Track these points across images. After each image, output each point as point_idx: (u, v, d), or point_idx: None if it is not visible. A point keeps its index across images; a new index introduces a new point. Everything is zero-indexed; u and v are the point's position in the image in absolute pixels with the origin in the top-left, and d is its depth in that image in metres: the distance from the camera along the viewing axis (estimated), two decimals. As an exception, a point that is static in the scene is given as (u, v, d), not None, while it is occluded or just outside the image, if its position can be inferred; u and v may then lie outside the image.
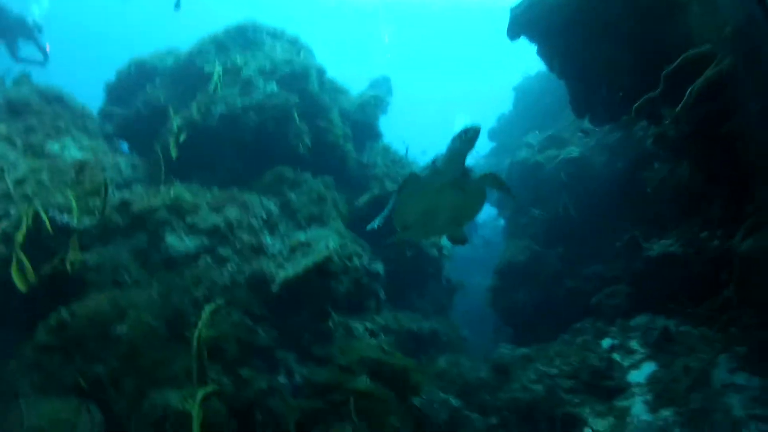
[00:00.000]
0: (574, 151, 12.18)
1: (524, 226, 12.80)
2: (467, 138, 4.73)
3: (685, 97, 5.88)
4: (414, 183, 5.19)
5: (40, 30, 13.27)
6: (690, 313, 8.58)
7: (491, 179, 5.40)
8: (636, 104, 6.48)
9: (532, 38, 9.51)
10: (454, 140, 4.81)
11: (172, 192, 8.33)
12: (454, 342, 11.09)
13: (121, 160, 10.10)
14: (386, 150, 12.23)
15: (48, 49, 13.53)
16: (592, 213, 11.96)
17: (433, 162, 5.32)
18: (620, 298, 10.55)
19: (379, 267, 9.41)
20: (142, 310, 7.04)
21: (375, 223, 5.77)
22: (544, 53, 9.64)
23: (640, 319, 9.78)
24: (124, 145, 11.66)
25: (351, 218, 10.51)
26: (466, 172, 5.22)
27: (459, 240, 6.18)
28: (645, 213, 10.69)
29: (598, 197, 11.96)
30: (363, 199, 10.86)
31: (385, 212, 5.72)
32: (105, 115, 11.49)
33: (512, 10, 9.24)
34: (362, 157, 11.83)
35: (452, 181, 5.13)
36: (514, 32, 9.40)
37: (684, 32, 5.85)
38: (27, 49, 13.43)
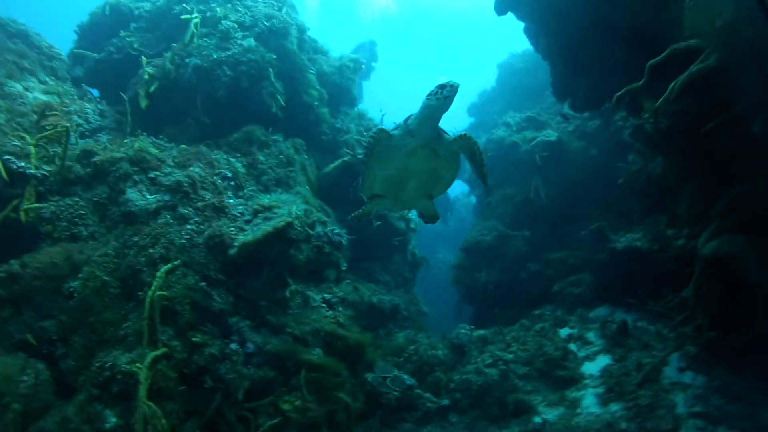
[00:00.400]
0: (551, 134, 12.13)
1: (494, 206, 12.79)
2: (443, 96, 4.37)
3: (668, 91, 5.78)
4: (384, 142, 4.81)
5: None
6: (648, 309, 8.69)
7: (466, 143, 4.92)
8: (618, 93, 6.33)
9: (520, 16, 9.33)
10: (429, 97, 4.43)
11: (136, 144, 8.04)
12: (415, 317, 11.06)
13: (88, 106, 9.69)
14: (361, 116, 12.11)
15: None
16: (563, 199, 12.00)
17: (405, 121, 4.85)
18: (582, 288, 10.67)
19: (342, 236, 9.27)
20: (96, 266, 6.81)
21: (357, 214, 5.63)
22: (531, 32, 9.49)
23: (599, 311, 9.93)
24: (94, 91, 11.22)
25: (319, 184, 10.41)
26: (440, 134, 4.86)
27: (430, 217, 5.70)
28: (615, 203, 10.75)
29: (570, 183, 11.99)
30: (333, 165, 10.74)
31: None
32: (75, 57, 10.91)
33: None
34: (336, 121, 11.62)
35: (425, 143, 4.77)
36: (501, 8, 9.21)
37: (676, 23, 5.69)
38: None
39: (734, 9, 4.60)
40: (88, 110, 9.53)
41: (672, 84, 5.62)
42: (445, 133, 4.89)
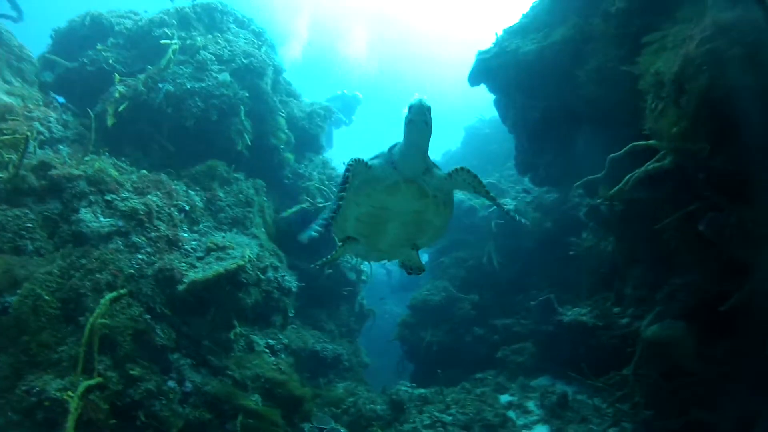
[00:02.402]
0: (509, 203, 12.44)
1: (445, 267, 12.97)
2: (423, 120, 3.65)
3: (623, 182, 6.06)
4: (361, 174, 4.00)
5: None
6: (589, 383, 8.84)
7: (464, 178, 4.10)
8: (578, 183, 6.61)
9: (491, 88, 9.62)
10: (410, 124, 3.69)
11: (96, 164, 7.90)
12: (356, 368, 11.09)
13: (52, 114, 9.41)
14: (325, 164, 12.24)
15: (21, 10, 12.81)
16: (514, 267, 12.24)
17: (390, 149, 4.06)
18: (525, 356, 10.83)
19: (292, 283, 9.23)
20: (38, 283, 6.55)
21: (310, 232, 4.83)
22: (500, 105, 9.79)
23: (541, 381, 10.06)
24: (60, 99, 11.01)
25: (275, 227, 10.38)
26: (430, 168, 4.05)
27: (416, 268, 4.92)
28: (564, 277, 11.00)
29: (522, 252, 12.26)
30: (291, 210, 10.79)
31: (325, 215, 4.29)
32: (46, 62, 10.67)
33: (479, 53, 9.29)
34: (300, 166, 11.71)
35: (410, 177, 3.96)
36: (475, 79, 9.49)
37: (636, 115, 6.00)
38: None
39: (690, 121, 4.85)
40: (51, 119, 9.26)
41: (628, 176, 5.90)
42: (437, 167, 4.11)
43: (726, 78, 4.59)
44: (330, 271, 11.21)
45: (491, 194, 4.28)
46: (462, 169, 4.08)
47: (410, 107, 3.64)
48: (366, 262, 12.07)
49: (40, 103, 9.71)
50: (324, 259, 5.12)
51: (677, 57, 4.93)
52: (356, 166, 3.97)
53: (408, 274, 5.02)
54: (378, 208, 4.15)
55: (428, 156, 3.99)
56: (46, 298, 6.52)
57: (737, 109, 4.68)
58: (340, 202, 3.93)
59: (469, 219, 12.80)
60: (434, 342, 12.07)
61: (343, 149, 13.59)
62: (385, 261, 5.22)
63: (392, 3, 40.50)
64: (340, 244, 4.77)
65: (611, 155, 6.12)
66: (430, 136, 3.78)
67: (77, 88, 10.36)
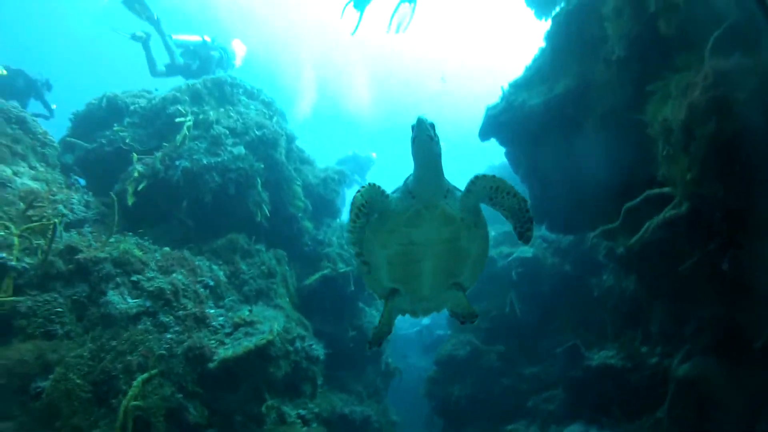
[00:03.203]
0: (527, 251, 12.42)
1: (469, 320, 12.87)
2: (427, 135, 3.43)
3: (642, 230, 6.11)
4: (378, 205, 3.73)
5: (49, 89, 13.94)
6: (622, 428, 8.70)
7: (485, 184, 3.69)
8: (594, 233, 6.66)
9: (501, 141, 9.77)
10: (415, 142, 3.47)
11: (122, 246, 8.06)
12: (385, 428, 11.00)
13: (75, 196, 9.66)
14: (343, 228, 12.26)
15: (53, 108, 13.94)
16: (537, 314, 12.16)
17: (405, 182, 3.84)
18: (556, 404, 10.67)
19: (320, 351, 9.23)
20: (69, 367, 6.66)
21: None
22: (512, 156, 9.92)
23: (573, 428, 9.87)
24: (81, 180, 11.31)
25: (298, 295, 10.46)
26: (451, 190, 3.78)
27: (468, 315, 4.44)
28: (588, 319, 10.91)
29: (544, 298, 12.18)
30: (313, 277, 10.85)
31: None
32: (66, 145, 10.99)
33: (488, 109, 9.48)
34: (319, 233, 11.82)
35: (430, 203, 3.68)
36: (485, 133, 9.65)
37: (648, 163, 6.10)
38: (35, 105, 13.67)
39: (702, 166, 4.95)
40: (74, 200, 9.50)
41: (647, 224, 5.96)
42: (458, 189, 3.83)
43: (732, 122, 4.73)
44: (354, 333, 11.27)
45: (518, 195, 3.83)
46: (477, 177, 3.74)
47: (412, 126, 3.50)
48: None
49: (63, 186, 9.99)
50: (374, 330, 4.50)
51: (683, 105, 5.07)
52: (370, 193, 3.69)
53: (461, 323, 4.61)
54: (405, 244, 3.87)
55: (445, 178, 3.77)
56: (78, 381, 6.59)
57: (746, 149, 4.78)
58: (353, 236, 3.73)
59: (488, 270, 12.76)
60: (463, 396, 11.92)
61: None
62: (433, 312, 4.66)
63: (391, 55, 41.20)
64: (378, 297, 4.45)
65: (627, 205, 6.18)
66: (440, 154, 3.59)
67: (97, 168, 10.65)
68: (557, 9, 9.65)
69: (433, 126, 3.49)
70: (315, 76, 32.99)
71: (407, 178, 3.81)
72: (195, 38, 13.72)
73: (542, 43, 8.61)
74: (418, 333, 19.60)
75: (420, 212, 3.71)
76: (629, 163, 6.91)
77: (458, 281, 4.22)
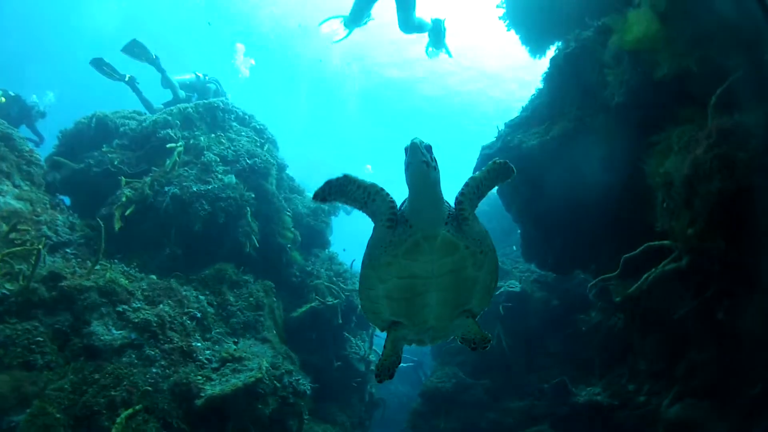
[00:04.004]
0: (515, 285, 12.39)
1: (454, 353, 12.81)
2: (421, 161, 3.05)
3: (640, 282, 6.09)
4: (376, 247, 3.39)
5: (42, 116, 14.34)
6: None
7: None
8: (592, 282, 6.66)
9: (496, 181, 9.73)
10: (409, 168, 3.11)
11: (108, 274, 7.88)
12: (369, 460, 10.81)
13: (60, 217, 9.45)
14: (332, 260, 12.26)
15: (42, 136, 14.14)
16: (524, 348, 12.10)
17: (400, 208, 3.41)
18: (543, 440, 10.57)
19: (306, 386, 9.04)
20: (49, 400, 6.43)
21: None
22: (504, 194, 9.90)
23: (560, 464, 9.80)
24: (66, 199, 11.08)
25: (286, 328, 10.32)
26: (452, 214, 3.37)
27: (479, 341, 3.98)
28: (575, 355, 10.88)
29: (531, 333, 12.14)
30: (301, 310, 10.75)
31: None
32: (53, 163, 10.79)
33: (483, 148, 9.48)
34: (307, 264, 11.72)
35: (430, 233, 3.27)
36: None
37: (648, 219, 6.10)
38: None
39: (705, 222, 4.96)
40: (58, 221, 9.27)
41: (645, 276, 5.94)
42: (454, 209, 3.39)
43: (734, 180, 4.73)
44: (339, 363, 11.15)
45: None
46: (458, 200, 3.36)
47: (405, 149, 3.14)
48: (375, 353, 12.01)
49: (48, 206, 9.75)
50: (378, 362, 4.00)
51: (686, 160, 5.09)
52: (384, 198, 3.29)
53: (471, 349, 4.10)
54: (406, 278, 3.44)
55: (445, 201, 3.35)
56: (58, 416, 6.37)
57: (747, 207, 4.79)
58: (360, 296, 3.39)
59: (475, 303, 12.73)
60: (448, 429, 11.79)
61: (341, 236, 13.62)
62: (441, 340, 4.17)
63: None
64: (378, 328, 4.01)
65: (626, 256, 6.17)
66: (438, 179, 3.20)
67: (83, 189, 10.47)
68: (552, 48, 9.80)
69: (429, 149, 3.14)
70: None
71: (402, 204, 3.40)
72: (188, 76, 13.84)
73: (539, 84, 8.66)
74: (413, 369, 19.41)
75: (418, 243, 3.30)
76: (626, 209, 6.92)
77: (467, 308, 3.81)
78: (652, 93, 6.09)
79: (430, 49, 11.56)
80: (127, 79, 12.86)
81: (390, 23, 11.00)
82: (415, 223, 3.27)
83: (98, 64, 12.59)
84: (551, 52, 9.85)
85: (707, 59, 4.94)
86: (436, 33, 11.11)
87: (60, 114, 11.94)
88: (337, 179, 3.32)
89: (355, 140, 46.46)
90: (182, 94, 13.16)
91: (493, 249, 3.59)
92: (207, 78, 13.90)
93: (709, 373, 6.39)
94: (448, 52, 11.74)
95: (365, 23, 11.15)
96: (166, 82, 13.05)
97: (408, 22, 10.57)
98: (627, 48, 5.67)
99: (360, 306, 3.98)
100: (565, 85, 7.86)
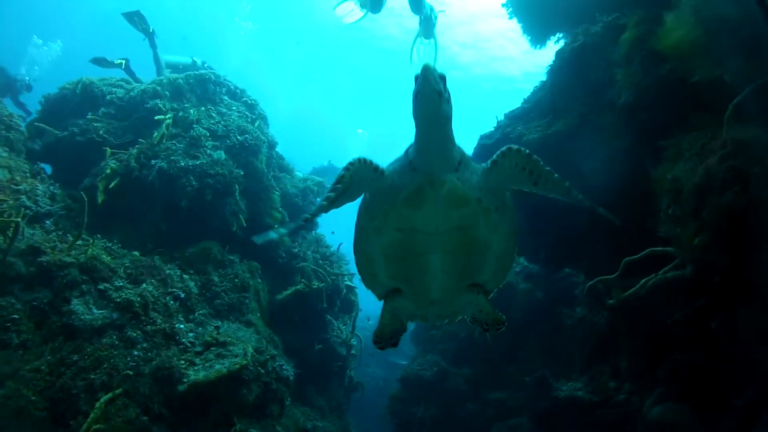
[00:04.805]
0: (499, 276, 12.33)
1: (436, 341, 12.78)
2: (433, 90, 2.61)
3: (638, 285, 6.00)
4: (369, 182, 2.96)
5: (29, 90, 14.07)
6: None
7: (517, 161, 2.99)
8: (590, 283, 6.55)
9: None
10: (418, 98, 2.66)
11: (89, 251, 7.59)
12: (345, 445, 10.79)
13: (40, 187, 9.03)
14: (318, 242, 12.09)
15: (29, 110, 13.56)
16: (507, 339, 12.04)
17: (405, 151, 3.05)
18: (520, 432, 10.58)
19: (290, 371, 8.89)
20: (23, 382, 6.17)
21: (270, 233, 3.33)
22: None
23: (537, 458, 9.82)
24: (47, 167, 10.69)
25: (270, 311, 10.17)
26: (465, 159, 3.01)
27: (491, 322, 3.65)
28: (558, 348, 10.87)
29: (515, 324, 12.09)
30: (286, 293, 10.57)
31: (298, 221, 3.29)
32: (34, 130, 10.38)
33: (481, 137, 9.28)
34: (294, 245, 11.51)
35: (437, 178, 2.86)
36: (476, 161, 9.45)
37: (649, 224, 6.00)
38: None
39: (712, 234, 4.86)
40: (38, 191, 8.88)
41: (644, 280, 5.84)
42: (474, 161, 3.12)
43: (747, 194, 4.62)
44: (320, 346, 11.04)
45: (566, 183, 3.13)
46: (510, 149, 2.98)
47: (415, 77, 2.70)
48: (357, 338, 11.96)
49: (28, 175, 9.36)
50: (378, 331, 3.69)
51: (697, 169, 4.95)
52: (359, 168, 2.87)
53: (484, 330, 3.78)
54: (406, 231, 3.01)
55: (457, 146, 2.97)
56: (33, 398, 6.13)
57: (758, 222, 4.69)
58: (324, 203, 2.83)
59: (459, 292, 12.68)
60: (427, 417, 11.79)
61: (328, 217, 13.42)
62: (448, 320, 3.89)
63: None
64: (377, 297, 3.62)
65: (627, 259, 6.05)
66: (450, 116, 2.80)
67: (66, 158, 10.13)
68: (553, 39, 9.61)
69: (443, 78, 2.71)
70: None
71: (408, 148, 3.02)
72: (185, 59, 13.48)
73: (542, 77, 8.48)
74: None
75: (422, 189, 2.87)
76: (624, 210, 6.78)
77: (478, 282, 3.41)
78: (664, 96, 5.95)
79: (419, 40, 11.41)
80: (151, 30, 12.73)
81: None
82: (419, 165, 2.89)
83: (130, 15, 12.52)
84: (552, 43, 9.74)
85: (738, 69, 4.78)
86: (428, 22, 10.89)
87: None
88: (331, 194, 2.89)
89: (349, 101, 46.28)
90: (167, 74, 12.85)
91: (513, 211, 3.23)
92: (204, 64, 13.51)
93: (693, 377, 6.36)
94: (436, 44, 11.52)
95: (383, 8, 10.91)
96: (155, 61, 12.73)
97: (418, 4, 10.35)
98: (663, 51, 5.44)
99: (356, 269, 3.54)
100: (570, 80, 7.68)
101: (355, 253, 3.41)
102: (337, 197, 2.86)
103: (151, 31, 12.69)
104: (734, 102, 4.94)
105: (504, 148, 3.03)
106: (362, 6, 10.63)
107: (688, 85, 5.38)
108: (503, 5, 10.22)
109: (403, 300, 3.47)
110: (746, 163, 4.60)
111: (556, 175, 3.13)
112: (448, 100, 2.76)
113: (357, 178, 2.88)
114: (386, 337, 3.67)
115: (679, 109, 5.82)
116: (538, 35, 9.88)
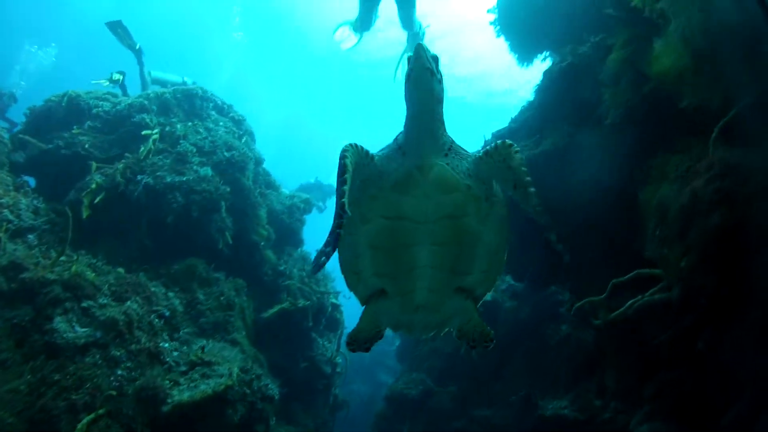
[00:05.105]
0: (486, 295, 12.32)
1: (422, 359, 12.72)
2: (426, 69, 2.68)
3: (625, 307, 6.01)
4: (361, 168, 2.89)
5: (14, 101, 13.89)
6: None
7: (500, 155, 3.02)
8: (577, 304, 6.56)
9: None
10: (411, 77, 2.72)
11: (73, 267, 7.47)
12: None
13: (23, 200, 8.87)
14: (304, 260, 12.02)
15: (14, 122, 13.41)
16: (493, 357, 12.03)
17: (395, 138, 3.06)
18: (508, 451, 10.53)
19: (275, 390, 8.79)
20: (1, 403, 6.02)
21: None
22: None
23: (523, 478, 9.77)
24: (31, 180, 10.53)
25: (256, 329, 10.08)
26: (454, 147, 3.01)
27: (478, 337, 3.58)
28: (543, 365, 10.85)
29: (500, 342, 12.02)
30: (271, 311, 10.48)
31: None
32: (18, 142, 10.16)
33: (469, 156, 9.31)
34: (280, 263, 11.44)
35: (426, 163, 2.85)
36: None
37: (634, 246, 6.03)
38: None
39: (700, 256, 4.88)
40: (21, 205, 8.71)
41: (631, 302, 5.86)
42: (463, 149, 3.08)
43: (733, 216, 4.65)
44: (305, 364, 10.98)
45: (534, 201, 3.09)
46: (505, 144, 3.01)
47: (408, 58, 2.75)
48: (342, 356, 11.93)
49: (11, 187, 9.18)
50: (353, 333, 3.63)
51: (684, 190, 4.99)
52: (354, 153, 2.83)
53: (471, 347, 3.73)
54: (393, 218, 2.93)
55: (447, 133, 2.97)
56: (10, 420, 5.97)
57: (744, 244, 4.73)
58: (343, 199, 2.69)
59: (445, 309, 12.65)
60: (411, 436, 11.73)
61: (313, 234, 13.42)
62: (435, 331, 3.75)
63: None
64: (353, 290, 3.47)
65: (614, 280, 6.07)
66: (442, 98, 2.83)
67: (50, 171, 9.94)
68: (540, 58, 9.69)
69: (436, 60, 2.76)
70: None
71: (398, 135, 3.04)
72: (175, 77, 13.34)
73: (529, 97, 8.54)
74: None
75: (411, 173, 2.84)
76: (611, 230, 6.84)
77: (466, 285, 3.31)
78: (650, 117, 6.01)
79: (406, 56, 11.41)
80: (137, 47, 12.52)
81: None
82: (409, 150, 2.90)
83: (114, 27, 12.28)
84: (539, 62, 9.82)
85: (726, 96, 4.84)
86: (415, 39, 10.92)
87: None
88: (339, 211, 2.77)
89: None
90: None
91: (504, 205, 3.15)
92: (194, 84, 13.41)
93: (680, 396, 6.37)
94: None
95: (373, 24, 10.93)
96: (141, 78, 12.65)
97: (409, 21, 10.39)
98: (652, 77, 5.51)
99: (339, 266, 3.38)
100: (558, 99, 7.73)
101: (338, 249, 3.22)
102: (350, 188, 2.77)
103: (137, 48, 12.58)
104: (720, 124, 4.99)
105: (499, 142, 3.07)
106: (355, 30, 10.66)
107: (675, 108, 5.43)
108: (491, 23, 10.31)
109: (387, 302, 3.36)
110: (732, 185, 4.64)
111: (532, 189, 3.10)
112: (440, 81, 2.79)
113: (356, 162, 2.85)
114: (360, 341, 3.59)
115: (665, 130, 5.88)
116: (525, 53, 9.96)
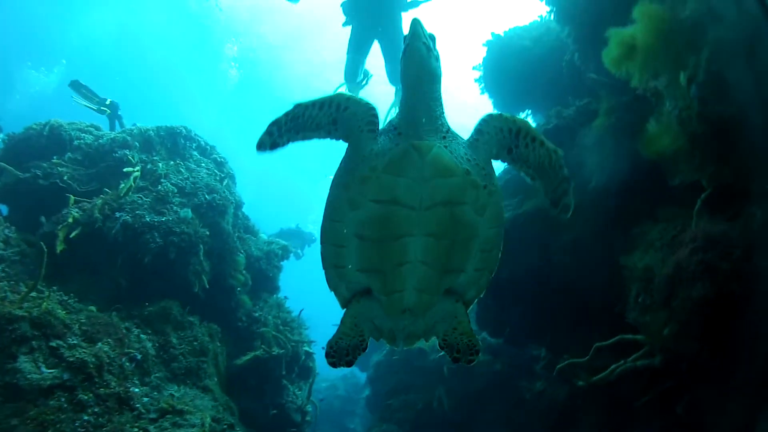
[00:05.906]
0: (461, 347, 12.27)
1: (394, 410, 12.54)
2: (423, 44, 2.64)
3: (607, 372, 6.03)
4: (353, 143, 2.83)
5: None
6: None
7: (499, 126, 2.93)
8: (559, 365, 6.58)
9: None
10: (407, 52, 2.64)
11: (43, 305, 7.20)
12: None
13: None
14: (280, 307, 11.88)
15: None
16: (465, 411, 11.94)
17: (390, 122, 2.95)
18: None
19: (246, 444, 8.56)
20: (-48, 450, 5.71)
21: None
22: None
23: None
24: (4, 209, 10.27)
25: (228, 377, 9.86)
26: (452, 131, 2.89)
27: (463, 349, 3.30)
28: (516, 421, 10.76)
29: (474, 396, 11.99)
30: (245, 358, 10.33)
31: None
32: None
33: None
34: (255, 309, 11.28)
35: (421, 144, 2.71)
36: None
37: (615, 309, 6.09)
38: None
39: (682, 325, 4.95)
40: None
41: (614, 366, 5.87)
42: (460, 136, 2.94)
43: (716, 288, 4.75)
44: (275, 411, 10.72)
45: (548, 143, 3.06)
46: (492, 115, 2.91)
47: (404, 37, 2.66)
48: (312, 404, 11.68)
49: (-18, 216, 9.06)
50: (333, 341, 3.28)
51: (668, 260, 5.09)
52: (355, 102, 2.81)
53: (454, 360, 3.39)
54: (385, 202, 2.74)
55: (445, 116, 2.85)
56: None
57: (724, 313, 4.81)
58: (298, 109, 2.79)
59: (420, 362, 12.56)
60: (379, 491, 11.48)
61: (289, 281, 13.29)
62: (420, 340, 3.53)
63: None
64: (331, 287, 3.24)
65: (597, 344, 6.10)
66: (439, 74, 2.74)
67: (25, 201, 9.76)
68: (523, 116, 9.89)
69: (433, 38, 2.69)
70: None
71: (393, 118, 2.92)
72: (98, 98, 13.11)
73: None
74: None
75: (407, 152, 2.67)
76: (593, 292, 6.89)
77: (457, 286, 3.11)
78: (633, 185, 6.13)
79: None
80: (108, 103, 12.36)
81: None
82: (404, 129, 2.76)
83: (77, 85, 12.03)
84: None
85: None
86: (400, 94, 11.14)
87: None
88: (287, 112, 2.85)
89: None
90: None
91: (501, 194, 3.02)
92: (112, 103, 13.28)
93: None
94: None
95: (367, 82, 11.09)
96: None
97: (397, 75, 10.61)
98: (648, 156, 5.62)
99: (321, 260, 3.14)
100: (541, 162, 7.84)
101: (322, 241, 3.05)
102: (316, 106, 2.81)
103: (108, 103, 12.45)
104: (702, 197, 5.13)
105: (485, 115, 2.98)
106: (349, 90, 10.83)
107: (662, 180, 5.57)
108: (476, 80, 10.53)
109: (371, 303, 3.14)
110: (715, 257, 4.75)
111: (541, 137, 3.04)
112: (438, 59, 2.72)
113: (349, 117, 2.81)
114: (342, 351, 3.24)
115: (649, 199, 6.01)
116: (508, 111, 10.14)
